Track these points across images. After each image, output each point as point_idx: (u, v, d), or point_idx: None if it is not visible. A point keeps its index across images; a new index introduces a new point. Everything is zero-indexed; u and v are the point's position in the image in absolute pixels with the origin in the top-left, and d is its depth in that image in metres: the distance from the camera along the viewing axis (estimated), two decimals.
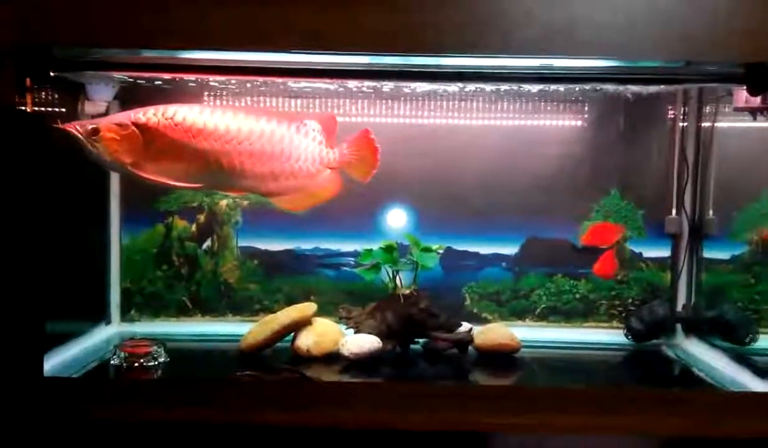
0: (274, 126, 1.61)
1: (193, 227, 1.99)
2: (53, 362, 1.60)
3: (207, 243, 2.00)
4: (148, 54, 1.51)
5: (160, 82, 1.76)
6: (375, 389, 1.52)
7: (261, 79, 1.76)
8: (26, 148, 1.40)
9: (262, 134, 1.60)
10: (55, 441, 1.39)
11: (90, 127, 1.49)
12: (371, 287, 1.89)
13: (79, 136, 1.48)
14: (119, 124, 1.51)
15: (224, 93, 1.94)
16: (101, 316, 1.94)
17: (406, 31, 1.38)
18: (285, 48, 1.42)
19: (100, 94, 1.76)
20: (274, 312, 1.81)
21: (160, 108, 1.55)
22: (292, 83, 1.82)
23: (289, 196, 1.66)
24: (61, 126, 1.49)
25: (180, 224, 1.99)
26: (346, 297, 1.99)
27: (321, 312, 1.82)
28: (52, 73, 1.48)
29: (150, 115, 1.54)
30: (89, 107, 1.75)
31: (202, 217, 1.99)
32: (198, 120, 1.55)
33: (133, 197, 1.96)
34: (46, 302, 1.45)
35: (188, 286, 2.00)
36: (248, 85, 1.87)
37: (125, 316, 1.98)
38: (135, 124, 1.52)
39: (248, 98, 1.96)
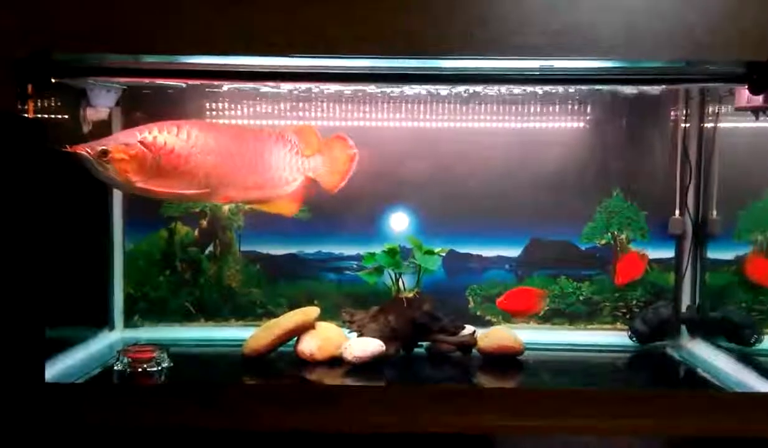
0: (262, 139, 1.70)
1: (196, 232, 1.99)
2: (57, 369, 1.60)
3: (210, 248, 2.00)
4: (150, 59, 1.51)
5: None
6: (378, 392, 1.52)
7: (263, 84, 1.77)
8: (27, 154, 1.40)
9: (253, 147, 1.67)
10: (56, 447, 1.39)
11: (99, 148, 1.52)
12: (374, 291, 1.89)
13: (90, 158, 1.51)
14: (127, 144, 1.54)
15: (224, 98, 1.95)
16: (104, 322, 1.94)
17: (409, 34, 1.38)
18: (287, 52, 1.42)
19: (102, 100, 1.76)
20: (278, 316, 1.81)
21: (164, 125, 1.59)
22: (293, 87, 1.84)
23: (268, 202, 1.72)
24: (70, 149, 1.51)
25: (183, 229, 1.99)
26: (349, 301, 1.98)
27: (324, 316, 1.81)
28: (53, 80, 1.48)
29: (155, 133, 1.57)
30: (91, 113, 1.76)
31: (204, 223, 1.99)
32: (200, 136, 1.60)
33: (135, 203, 1.95)
34: (47, 308, 1.45)
35: (191, 291, 2.00)
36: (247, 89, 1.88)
37: (129, 322, 1.98)
38: (142, 143, 1.55)
39: (248, 103, 1.97)
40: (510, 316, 1.95)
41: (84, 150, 1.50)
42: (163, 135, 1.56)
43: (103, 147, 1.52)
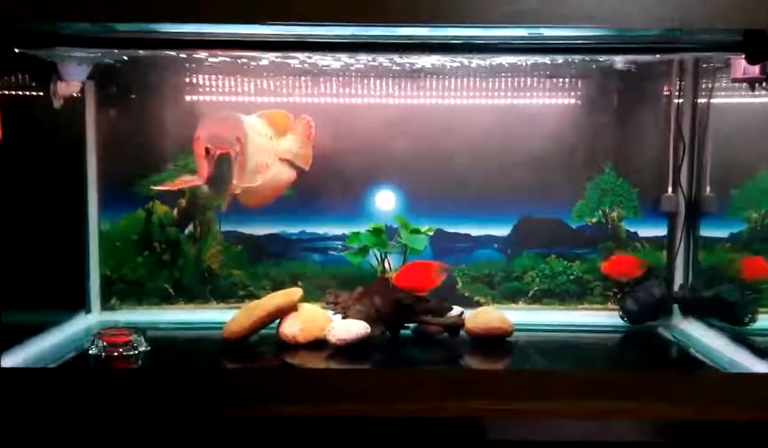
0: (262, 125, 1.71)
1: (175, 212, 1.93)
2: (29, 352, 1.55)
3: (189, 228, 1.94)
4: (122, 28, 1.44)
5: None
6: (362, 376, 1.47)
7: (237, 53, 1.71)
8: None
9: (260, 134, 1.70)
10: (18, 433, 1.34)
11: (236, 149, 1.58)
12: (360, 271, 1.84)
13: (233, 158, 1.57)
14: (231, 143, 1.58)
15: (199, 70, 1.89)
16: (81, 304, 1.88)
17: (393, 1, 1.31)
18: (259, 20, 1.35)
19: (74, 73, 1.69)
20: (260, 298, 1.75)
21: (227, 120, 1.62)
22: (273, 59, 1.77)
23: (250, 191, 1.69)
24: (217, 152, 1.56)
25: (161, 208, 1.92)
26: (334, 282, 1.93)
27: (308, 297, 1.77)
28: (17, 50, 1.41)
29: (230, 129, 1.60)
30: (62, 88, 1.69)
31: (183, 202, 1.93)
32: (245, 129, 1.63)
33: (111, 181, 1.90)
34: (8, 291, 1.39)
35: (170, 272, 1.94)
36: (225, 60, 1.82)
37: (106, 304, 1.92)
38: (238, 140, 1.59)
39: (225, 76, 1.91)
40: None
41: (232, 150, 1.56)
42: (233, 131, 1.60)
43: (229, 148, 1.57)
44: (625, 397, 1.38)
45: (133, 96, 1.89)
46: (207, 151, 1.57)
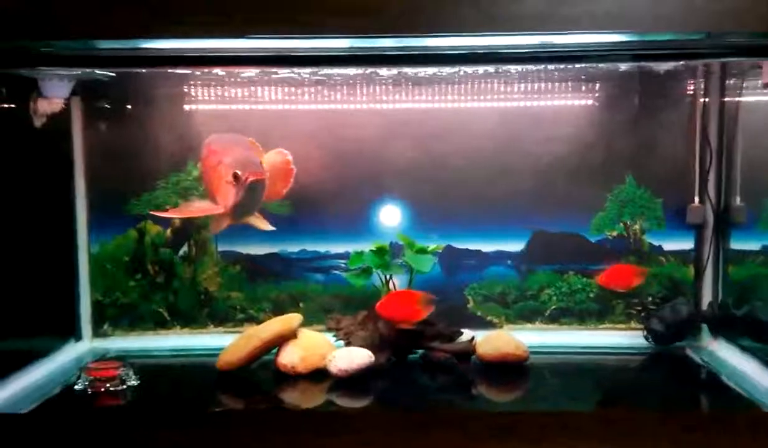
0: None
1: (168, 232, 1.83)
2: (13, 389, 1.46)
3: (184, 249, 1.84)
4: (103, 46, 1.33)
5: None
6: (360, 415, 1.36)
7: (229, 69, 1.61)
8: None
9: None
10: None
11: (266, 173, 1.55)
12: (364, 292, 1.73)
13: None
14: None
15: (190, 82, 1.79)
16: (71, 331, 1.79)
17: (402, 10, 1.20)
18: (250, 33, 1.24)
19: (55, 90, 1.61)
20: (260, 322, 1.66)
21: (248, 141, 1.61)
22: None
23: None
24: (259, 178, 1.50)
25: (153, 228, 1.82)
26: (338, 302, 1.83)
27: (310, 319, 1.67)
28: None
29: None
30: (43, 105, 1.60)
31: (177, 221, 1.83)
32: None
33: (101, 201, 1.80)
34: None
35: (165, 296, 1.84)
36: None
37: (98, 331, 1.83)
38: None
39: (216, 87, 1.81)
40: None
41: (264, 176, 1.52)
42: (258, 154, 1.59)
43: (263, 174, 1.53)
44: (652, 440, 1.25)
45: (121, 111, 1.79)
46: (236, 177, 1.47)
